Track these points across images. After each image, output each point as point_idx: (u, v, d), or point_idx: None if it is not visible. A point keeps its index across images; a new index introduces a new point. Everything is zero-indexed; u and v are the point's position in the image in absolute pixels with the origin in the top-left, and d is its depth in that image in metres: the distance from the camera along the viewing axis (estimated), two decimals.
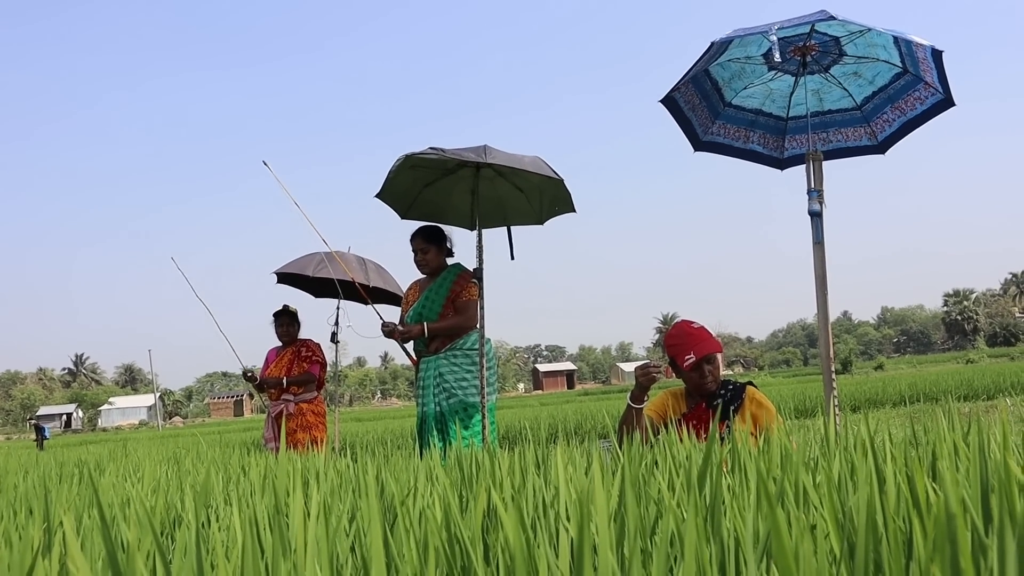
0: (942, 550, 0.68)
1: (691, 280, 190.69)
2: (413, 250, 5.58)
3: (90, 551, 1.33)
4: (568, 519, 1.46)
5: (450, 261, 5.66)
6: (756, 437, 3.46)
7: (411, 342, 5.55)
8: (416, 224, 5.75)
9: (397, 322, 5.63)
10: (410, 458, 3.01)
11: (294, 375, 7.02)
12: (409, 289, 5.82)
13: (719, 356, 3.79)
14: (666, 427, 3.50)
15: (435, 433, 5.23)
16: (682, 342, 3.73)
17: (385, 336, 5.47)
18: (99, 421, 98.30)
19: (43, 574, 1.38)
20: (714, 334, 3.84)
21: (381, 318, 5.70)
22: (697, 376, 3.69)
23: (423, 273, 5.65)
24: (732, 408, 3.64)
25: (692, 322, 3.83)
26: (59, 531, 1.49)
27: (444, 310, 5.44)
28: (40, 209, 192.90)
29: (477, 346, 5.35)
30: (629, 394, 3.67)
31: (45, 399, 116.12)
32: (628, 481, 1.17)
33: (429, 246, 5.55)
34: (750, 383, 3.82)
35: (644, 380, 3.58)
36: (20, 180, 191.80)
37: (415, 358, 5.56)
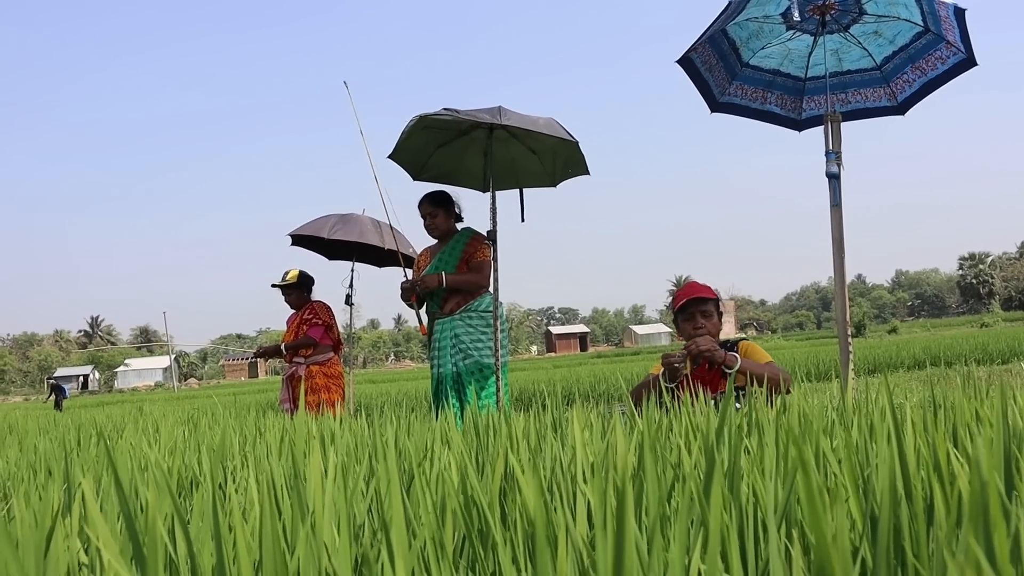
0: (975, 519, 0.67)
1: (705, 243, 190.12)
2: (422, 215, 5.57)
3: (109, 513, 1.33)
4: (586, 482, 1.46)
5: (459, 226, 5.65)
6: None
7: (424, 307, 5.56)
8: (433, 187, 5.74)
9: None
10: (425, 420, 3.02)
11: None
12: (421, 255, 5.81)
13: (717, 312, 3.84)
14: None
15: (452, 394, 5.25)
16: (681, 292, 3.88)
17: (404, 294, 5.48)
18: (115, 383, 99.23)
19: (63, 535, 1.39)
20: (726, 296, 3.88)
21: (406, 275, 5.74)
22: (689, 326, 3.75)
23: (433, 237, 5.64)
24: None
25: (697, 282, 3.95)
26: (79, 492, 1.50)
27: (458, 271, 5.44)
28: (55, 171, 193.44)
29: (491, 308, 5.36)
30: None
31: (62, 361, 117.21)
32: (647, 445, 1.16)
33: (437, 210, 5.54)
34: (743, 339, 3.88)
35: (668, 370, 3.62)
36: (38, 141, 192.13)
37: (429, 320, 5.56)
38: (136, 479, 2.00)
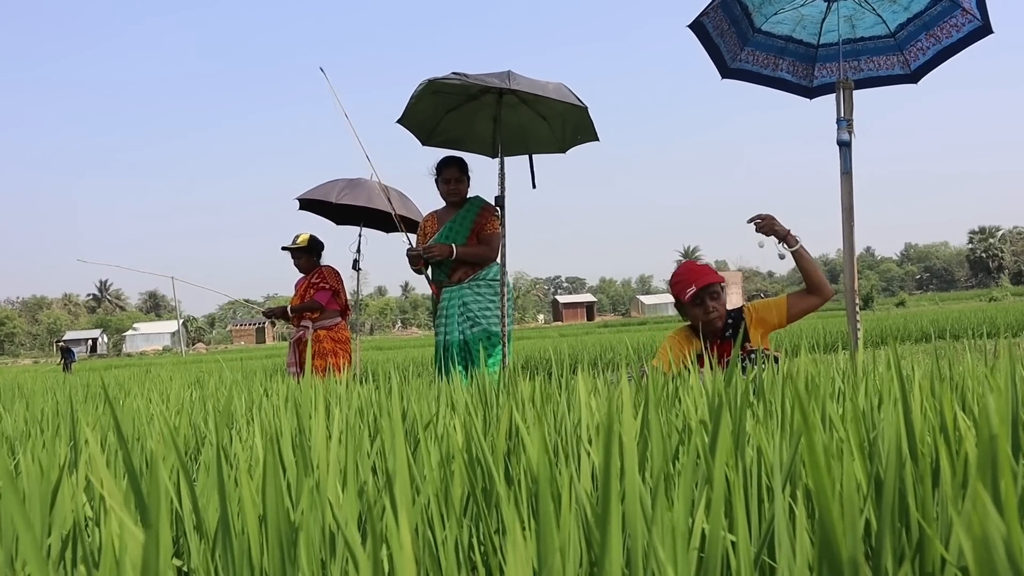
0: (983, 470, 0.66)
1: (712, 214, 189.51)
2: (445, 179, 5.52)
3: (115, 467, 1.34)
4: (590, 443, 1.46)
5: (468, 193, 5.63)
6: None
7: (429, 272, 5.55)
8: (442, 152, 5.71)
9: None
10: (431, 385, 3.02)
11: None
12: (427, 220, 5.75)
13: (723, 292, 3.81)
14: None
15: (458, 360, 5.25)
16: (683, 279, 3.79)
17: (410, 259, 5.46)
18: (124, 346, 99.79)
19: (69, 489, 1.39)
20: (734, 268, 3.88)
21: (409, 243, 5.71)
22: (701, 312, 3.72)
23: (451, 202, 5.59)
24: (738, 328, 3.68)
25: (696, 261, 3.93)
26: (85, 449, 1.50)
27: (468, 242, 5.42)
28: (66, 134, 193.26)
29: (499, 277, 5.36)
30: None
31: (71, 324, 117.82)
32: (652, 404, 1.15)
33: (463, 176, 5.54)
34: (745, 304, 3.87)
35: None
36: (48, 104, 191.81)
37: (435, 287, 5.56)
38: (144, 434, 2.00)
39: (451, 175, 5.51)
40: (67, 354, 32.18)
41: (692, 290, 3.69)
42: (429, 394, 2.33)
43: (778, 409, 1.50)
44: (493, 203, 5.42)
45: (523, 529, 1.20)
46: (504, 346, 5.23)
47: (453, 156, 5.61)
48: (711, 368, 2.47)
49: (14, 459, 2.14)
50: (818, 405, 1.50)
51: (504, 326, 5.24)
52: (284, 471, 1.33)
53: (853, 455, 1.10)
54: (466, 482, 1.24)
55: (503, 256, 5.37)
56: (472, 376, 3.01)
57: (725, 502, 1.17)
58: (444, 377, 5.01)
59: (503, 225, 5.37)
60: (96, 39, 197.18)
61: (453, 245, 5.33)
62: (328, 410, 2.50)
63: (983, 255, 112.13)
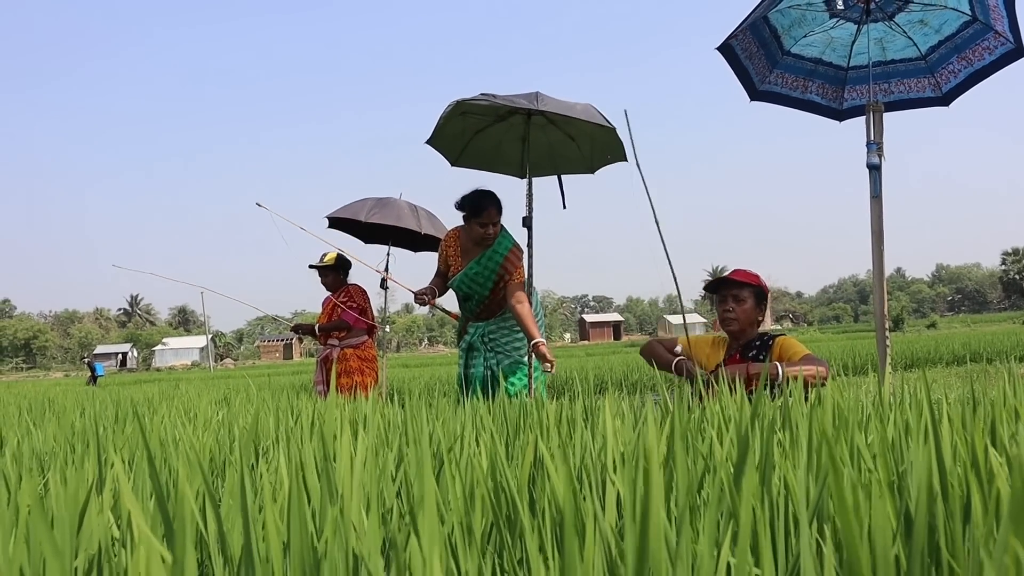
0: (1016, 517, 0.65)
1: (741, 233, 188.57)
2: (483, 223, 5.13)
3: (141, 490, 1.34)
4: (615, 471, 1.45)
5: None
6: None
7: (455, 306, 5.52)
8: (468, 174, 5.69)
9: (435, 273, 5.53)
10: (457, 406, 3.02)
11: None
12: (448, 239, 5.47)
13: (755, 299, 3.79)
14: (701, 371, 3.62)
15: (482, 394, 5.13)
16: (730, 272, 3.87)
17: (417, 299, 5.35)
18: (153, 361, 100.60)
19: (96, 509, 1.40)
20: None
21: (412, 291, 5.48)
22: (721, 308, 3.79)
23: (485, 245, 5.24)
24: (762, 357, 3.65)
25: (743, 268, 3.96)
26: (111, 472, 1.51)
27: (494, 288, 5.25)
28: (104, 152, 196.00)
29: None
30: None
31: (101, 338, 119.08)
32: (677, 434, 1.14)
33: (499, 220, 5.18)
34: (782, 334, 3.85)
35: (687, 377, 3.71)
36: (83, 119, 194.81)
37: (462, 322, 5.50)
38: (170, 455, 2.02)
39: (491, 218, 5.13)
40: (92, 370, 35.16)
41: (712, 281, 3.83)
42: (454, 418, 2.33)
43: (804, 438, 1.48)
44: (521, 223, 5.39)
45: (545, 560, 1.20)
46: (531, 369, 5.19)
47: (490, 195, 5.21)
48: (731, 391, 2.46)
49: (44, 477, 2.16)
50: (847, 436, 1.48)
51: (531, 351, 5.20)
52: (309, 499, 1.33)
53: (882, 491, 1.08)
54: (489, 511, 1.24)
55: (530, 277, 5.36)
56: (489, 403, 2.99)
57: (751, 533, 1.16)
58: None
59: (530, 245, 5.36)
60: (110, 50, 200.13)
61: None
62: (355, 430, 2.50)
63: (1016, 276, 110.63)
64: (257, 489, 1.52)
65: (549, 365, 4.86)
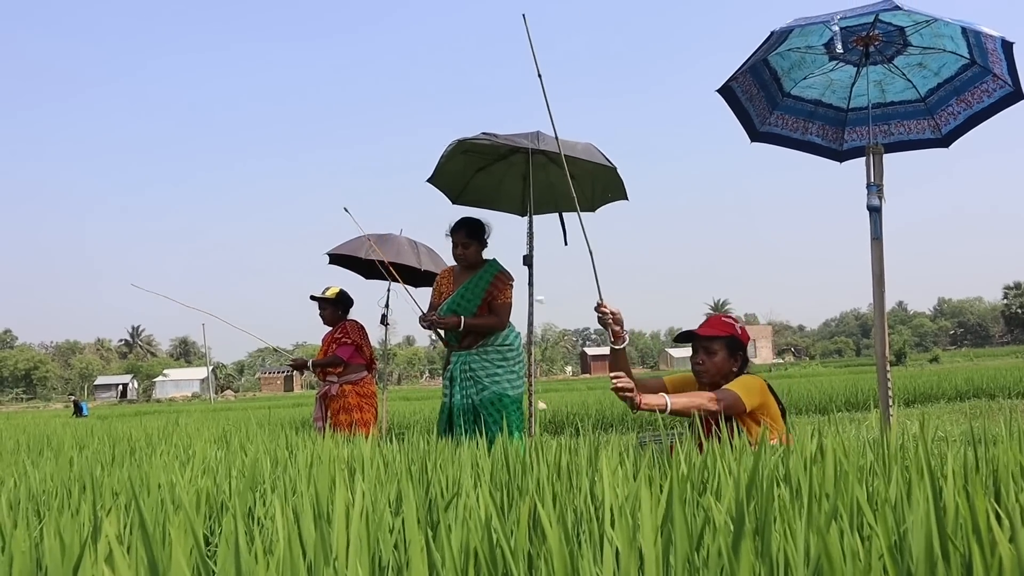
0: None
1: (743, 266, 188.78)
2: (454, 243, 5.42)
3: (136, 548, 1.33)
4: (613, 526, 1.44)
5: (485, 254, 5.53)
6: (749, 422, 3.48)
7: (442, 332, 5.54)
8: (460, 211, 5.73)
9: (428, 306, 5.63)
10: (457, 448, 3.00)
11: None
12: (442, 276, 5.70)
13: (729, 351, 3.66)
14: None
15: (463, 425, 5.16)
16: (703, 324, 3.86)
17: (423, 327, 5.46)
18: (153, 392, 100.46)
19: (91, 560, 1.39)
20: (764, 321, 3.83)
21: (421, 310, 5.69)
22: (692, 360, 3.79)
23: (460, 266, 5.53)
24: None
25: (726, 315, 3.98)
26: (106, 522, 1.50)
27: (479, 310, 5.35)
28: (105, 179, 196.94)
29: (508, 342, 5.32)
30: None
31: (102, 369, 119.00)
32: (676, 495, 1.14)
33: (471, 241, 5.40)
34: (745, 373, 3.74)
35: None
36: (80, 145, 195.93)
37: (446, 351, 5.53)
38: (167, 504, 2.00)
39: (459, 239, 5.40)
40: (77, 407, 37.87)
41: (682, 333, 3.82)
42: (453, 464, 2.32)
43: (805, 493, 1.47)
44: (522, 262, 5.42)
45: None
46: (531, 408, 5.18)
47: (465, 219, 5.49)
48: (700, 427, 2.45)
49: (39, 523, 2.14)
50: (847, 491, 1.47)
51: (532, 389, 5.21)
52: (304, 554, 1.32)
53: (882, 555, 1.07)
54: (485, 571, 1.23)
55: (531, 315, 5.36)
56: (480, 440, 2.98)
57: None
58: (445, 437, 4.91)
59: (530, 283, 5.37)
60: (103, 79, 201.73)
61: (462, 317, 5.29)
62: (351, 474, 2.49)
63: (1018, 310, 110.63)
64: (251, 540, 1.51)
65: (435, 324, 5.31)
